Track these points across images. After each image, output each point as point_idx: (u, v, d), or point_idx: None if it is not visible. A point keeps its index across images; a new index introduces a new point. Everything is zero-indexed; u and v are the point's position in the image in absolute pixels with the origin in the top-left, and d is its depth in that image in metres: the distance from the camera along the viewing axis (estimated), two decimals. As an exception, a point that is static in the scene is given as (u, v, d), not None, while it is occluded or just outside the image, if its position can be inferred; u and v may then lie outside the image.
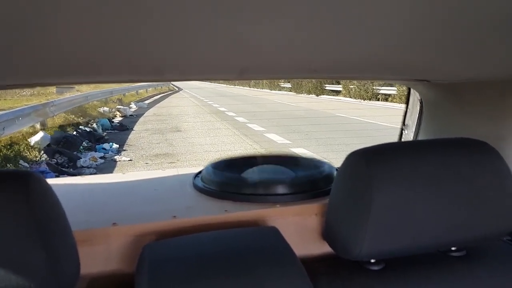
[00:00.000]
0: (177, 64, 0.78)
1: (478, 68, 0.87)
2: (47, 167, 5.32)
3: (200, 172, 1.19)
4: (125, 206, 1.00)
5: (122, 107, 12.16)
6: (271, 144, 7.21)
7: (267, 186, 1.04)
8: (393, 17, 0.53)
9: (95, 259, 0.84)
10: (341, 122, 10.00)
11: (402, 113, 1.38)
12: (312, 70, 0.87)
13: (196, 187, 1.10)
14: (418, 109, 1.27)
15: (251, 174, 1.14)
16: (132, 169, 5.72)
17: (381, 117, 9.93)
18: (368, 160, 0.74)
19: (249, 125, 9.54)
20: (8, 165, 5.14)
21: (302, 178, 1.10)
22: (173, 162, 5.98)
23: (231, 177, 1.10)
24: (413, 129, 1.30)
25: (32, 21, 0.46)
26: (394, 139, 1.43)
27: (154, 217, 0.92)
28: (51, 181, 1.26)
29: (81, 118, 9.18)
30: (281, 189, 1.03)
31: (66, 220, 0.67)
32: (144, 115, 11.97)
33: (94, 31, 0.51)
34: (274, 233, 0.83)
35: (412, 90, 1.31)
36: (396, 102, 14.50)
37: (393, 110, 11.27)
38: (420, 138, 1.28)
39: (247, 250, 0.76)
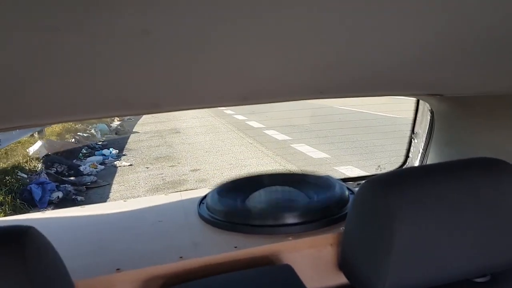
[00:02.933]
0: (176, 97, 0.74)
1: (492, 82, 0.83)
2: (47, 177, 5.26)
3: (205, 197, 1.14)
4: (128, 245, 0.95)
5: (119, 110, 12.01)
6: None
7: (278, 217, 0.98)
8: (405, 34, 0.50)
9: None
10: (333, 113, 9.74)
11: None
12: (319, 92, 0.82)
13: (201, 216, 1.06)
14: (429, 119, 1.22)
15: (258, 199, 1.08)
16: (133, 174, 5.68)
17: (376, 106, 9.78)
18: (387, 189, 0.69)
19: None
20: (6, 177, 5.06)
21: (314, 205, 1.04)
22: (174, 166, 5.93)
23: (238, 207, 1.04)
24: (423, 138, 1.26)
25: (27, 62, 0.43)
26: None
27: (160, 258, 0.87)
28: (49, 213, 1.22)
29: (79, 124, 9.09)
30: (292, 219, 0.97)
31: (67, 274, 0.63)
32: (143, 117, 11.78)
33: (88, 72, 0.49)
34: (288, 272, 0.78)
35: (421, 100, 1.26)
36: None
37: (389, 98, 11.03)
38: (432, 148, 1.24)
39: None
